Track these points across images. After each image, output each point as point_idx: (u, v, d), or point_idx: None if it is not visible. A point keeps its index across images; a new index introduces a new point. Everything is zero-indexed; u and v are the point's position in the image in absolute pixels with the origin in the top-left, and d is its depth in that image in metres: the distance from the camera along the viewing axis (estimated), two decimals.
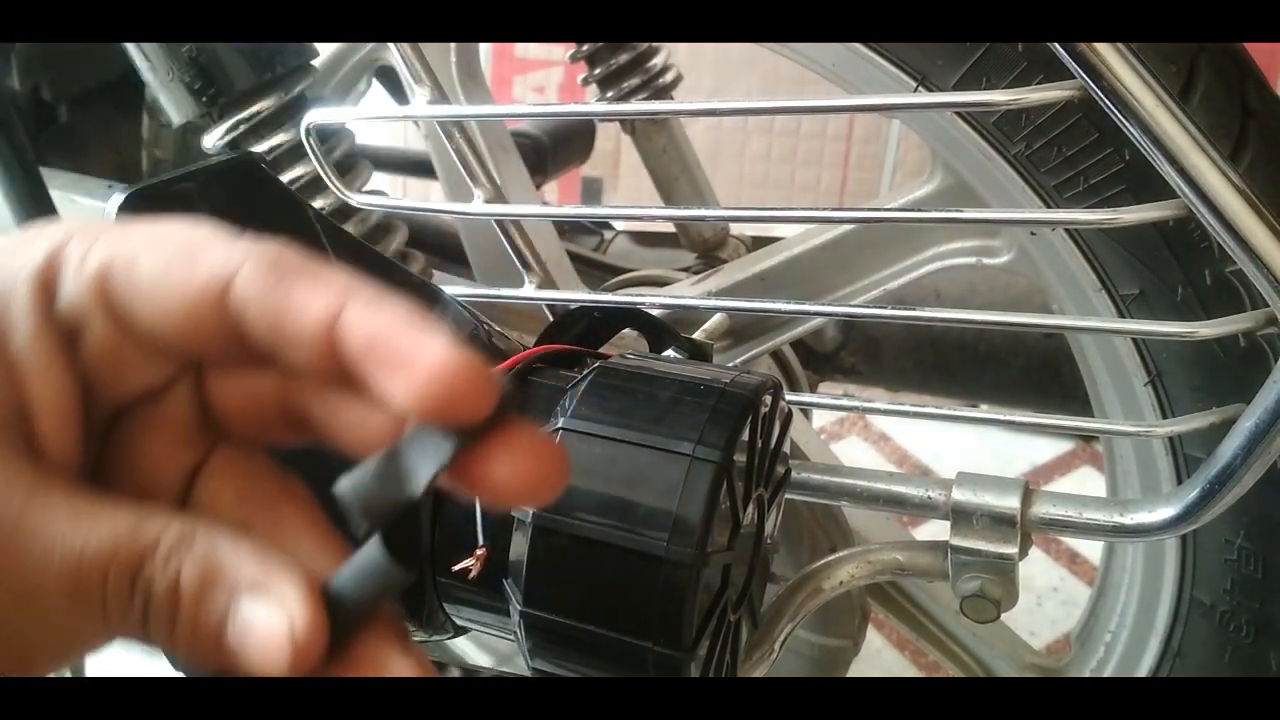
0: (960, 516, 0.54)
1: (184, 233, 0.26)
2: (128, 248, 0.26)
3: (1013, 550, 0.53)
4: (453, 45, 0.70)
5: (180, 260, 0.25)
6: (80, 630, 0.25)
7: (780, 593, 0.58)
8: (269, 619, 0.24)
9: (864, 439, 1.51)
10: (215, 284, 0.25)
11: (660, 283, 0.81)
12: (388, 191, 0.67)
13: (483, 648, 1.02)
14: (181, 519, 0.25)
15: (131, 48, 0.61)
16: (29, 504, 0.24)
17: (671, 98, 0.83)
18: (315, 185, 0.65)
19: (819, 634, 0.79)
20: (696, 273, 0.77)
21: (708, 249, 0.89)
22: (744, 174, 1.66)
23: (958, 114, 0.56)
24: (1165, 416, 0.58)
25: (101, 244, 0.26)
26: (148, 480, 0.28)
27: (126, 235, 0.26)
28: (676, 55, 0.84)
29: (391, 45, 0.58)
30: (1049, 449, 1.48)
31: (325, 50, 0.95)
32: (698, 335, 0.69)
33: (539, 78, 1.68)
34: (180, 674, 0.26)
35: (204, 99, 0.61)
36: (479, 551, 0.40)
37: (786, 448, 0.48)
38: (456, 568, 0.41)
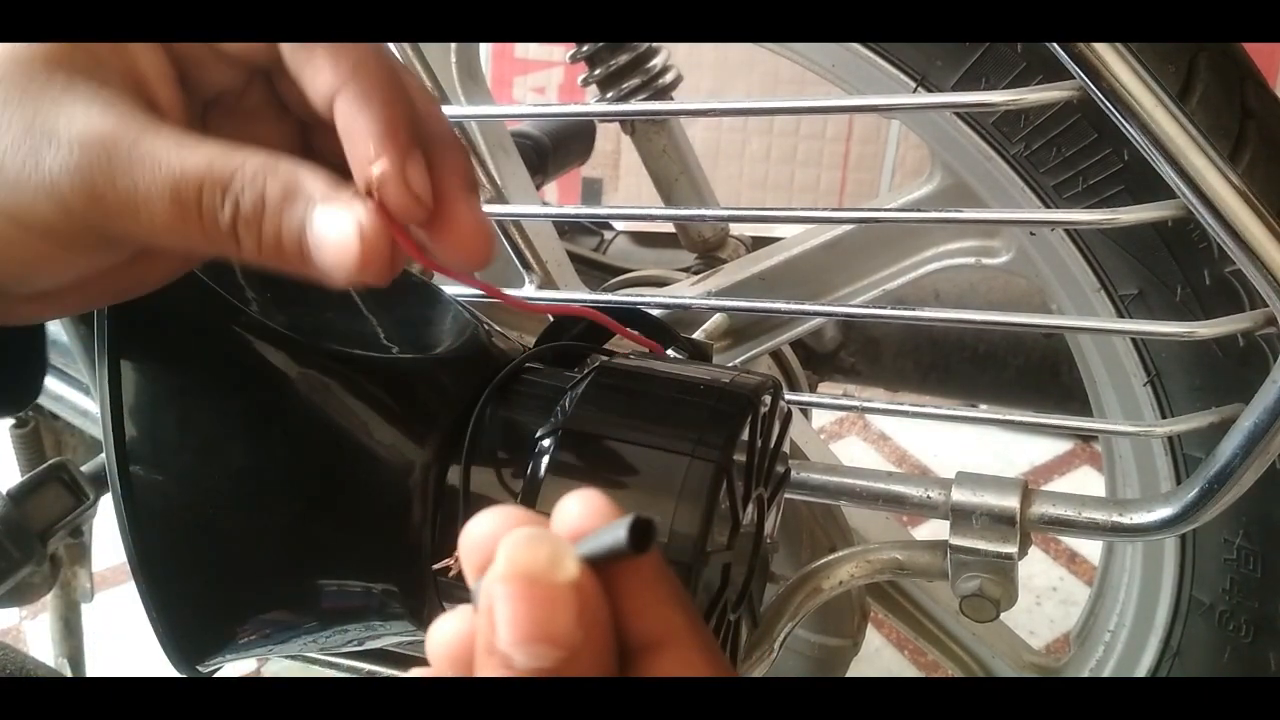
0: (959, 516, 0.54)
1: None
2: None
3: (1012, 550, 0.53)
4: (453, 45, 0.70)
5: None
6: (181, 235, 0.30)
7: (780, 592, 0.58)
8: (342, 219, 0.29)
9: (863, 439, 1.52)
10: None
11: (660, 283, 0.81)
12: None
13: None
14: (267, 151, 0.31)
15: None
16: (144, 133, 0.30)
17: (671, 98, 0.83)
18: None
19: (819, 633, 0.79)
20: (696, 273, 0.77)
21: (708, 249, 0.89)
22: (744, 174, 1.66)
23: (957, 114, 0.56)
24: (1164, 416, 0.58)
25: None
26: None
27: None
28: (676, 56, 0.84)
29: (391, 45, 0.58)
30: (1048, 449, 1.48)
31: None
32: (698, 335, 0.69)
33: (539, 78, 1.68)
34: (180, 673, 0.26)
35: None
36: (459, 552, 0.40)
37: (786, 448, 0.48)
38: (436, 567, 0.41)
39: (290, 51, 0.32)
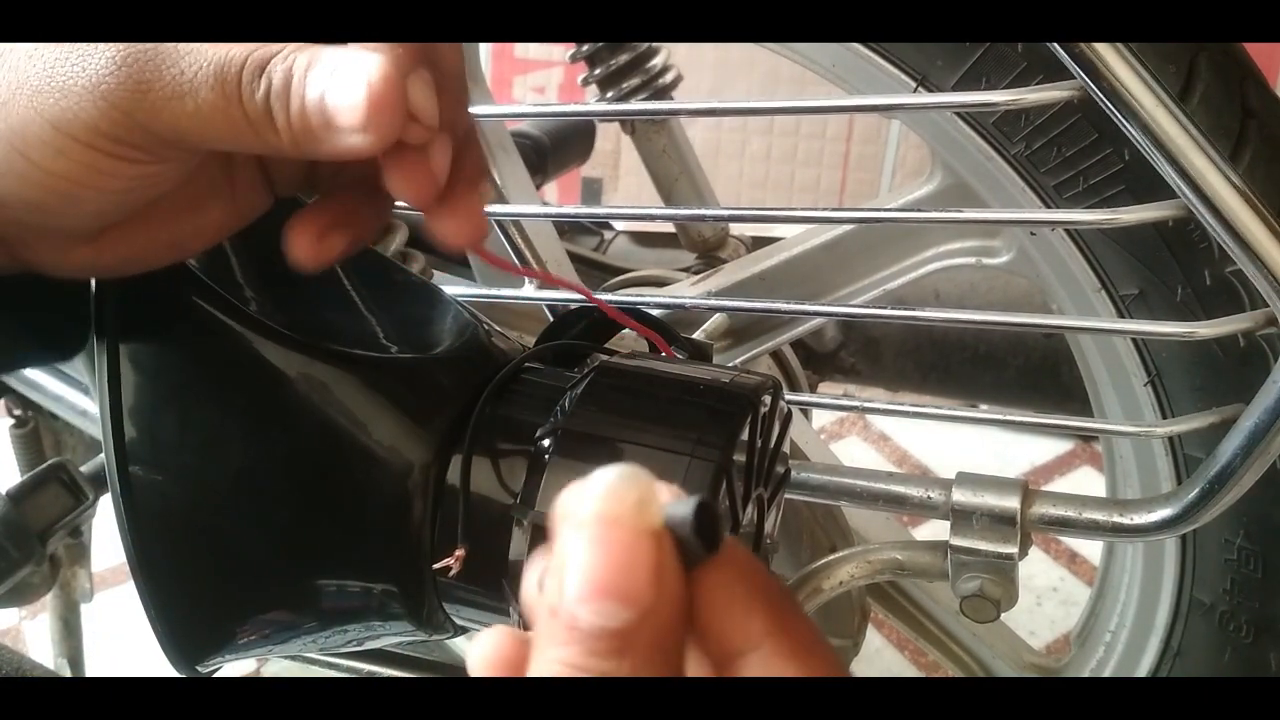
0: (960, 516, 0.54)
1: None
2: None
3: (1012, 550, 0.53)
4: None
5: None
6: (224, 118, 0.32)
7: None
8: (352, 65, 0.32)
9: (864, 439, 1.52)
10: None
11: (660, 283, 0.81)
12: None
13: None
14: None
15: None
16: (192, 49, 0.32)
17: (671, 98, 0.83)
18: None
19: None
20: (696, 273, 0.77)
21: (708, 249, 0.89)
22: (744, 174, 1.66)
23: (957, 114, 0.56)
24: (1165, 416, 0.58)
25: None
26: None
27: None
28: (676, 55, 0.84)
29: None
30: (1048, 449, 1.48)
31: None
32: (698, 335, 0.69)
33: (539, 78, 1.68)
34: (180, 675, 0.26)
35: None
36: (458, 552, 0.40)
37: (786, 448, 0.48)
38: (436, 566, 0.41)
39: None
